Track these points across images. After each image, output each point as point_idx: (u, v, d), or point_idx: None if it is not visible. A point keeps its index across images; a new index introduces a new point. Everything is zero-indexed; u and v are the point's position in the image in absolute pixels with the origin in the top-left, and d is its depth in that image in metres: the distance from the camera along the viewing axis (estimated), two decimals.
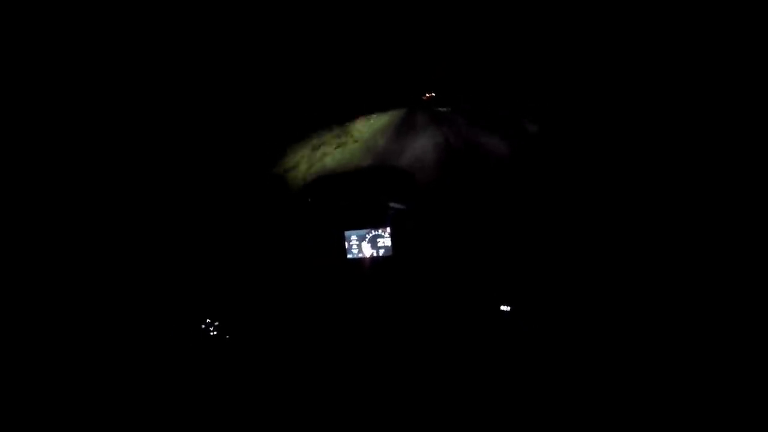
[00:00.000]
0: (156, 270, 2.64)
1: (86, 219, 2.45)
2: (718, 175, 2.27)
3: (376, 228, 2.77)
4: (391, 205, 2.79)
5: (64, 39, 2.24)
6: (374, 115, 3.37)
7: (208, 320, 2.65)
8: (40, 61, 2.22)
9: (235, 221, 2.85)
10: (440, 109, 3.37)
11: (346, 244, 2.81)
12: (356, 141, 3.27)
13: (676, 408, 1.83)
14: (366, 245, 2.80)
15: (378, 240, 2.78)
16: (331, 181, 2.95)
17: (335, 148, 3.21)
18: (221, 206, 2.85)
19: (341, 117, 3.31)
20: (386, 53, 3.24)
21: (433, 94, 3.30)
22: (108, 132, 2.55)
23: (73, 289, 2.37)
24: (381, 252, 2.79)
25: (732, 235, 2.16)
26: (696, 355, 1.96)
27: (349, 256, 2.83)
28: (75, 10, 2.19)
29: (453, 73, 3.59)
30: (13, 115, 2.21)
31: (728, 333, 1.98)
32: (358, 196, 2.85)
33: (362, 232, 2.79)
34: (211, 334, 2.64)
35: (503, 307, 2.49)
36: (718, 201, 2.26)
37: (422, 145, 3.46)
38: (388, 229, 2.75)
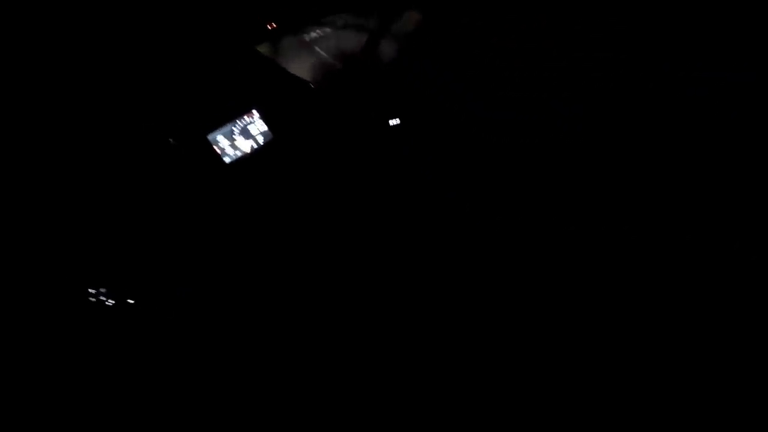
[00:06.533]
0: None
1: None
2: None
3: (239, 117, 2.33)
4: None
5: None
6: None
7: None
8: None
9: None
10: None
11: (217, 149, 2.22)
12: None
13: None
14: (239, 139, 2.30)
15: (249, 129, 2.34)
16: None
17: None
18: None
19: None
20: None
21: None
22: None
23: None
24: (261, 139, 2.36)
25: None
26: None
27: (228, 160, 2.24)
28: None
29: None
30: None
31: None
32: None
33: (226, 128, 2.28)
34: None
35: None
36: None
37: None
38: (254, 112, 2.36)
